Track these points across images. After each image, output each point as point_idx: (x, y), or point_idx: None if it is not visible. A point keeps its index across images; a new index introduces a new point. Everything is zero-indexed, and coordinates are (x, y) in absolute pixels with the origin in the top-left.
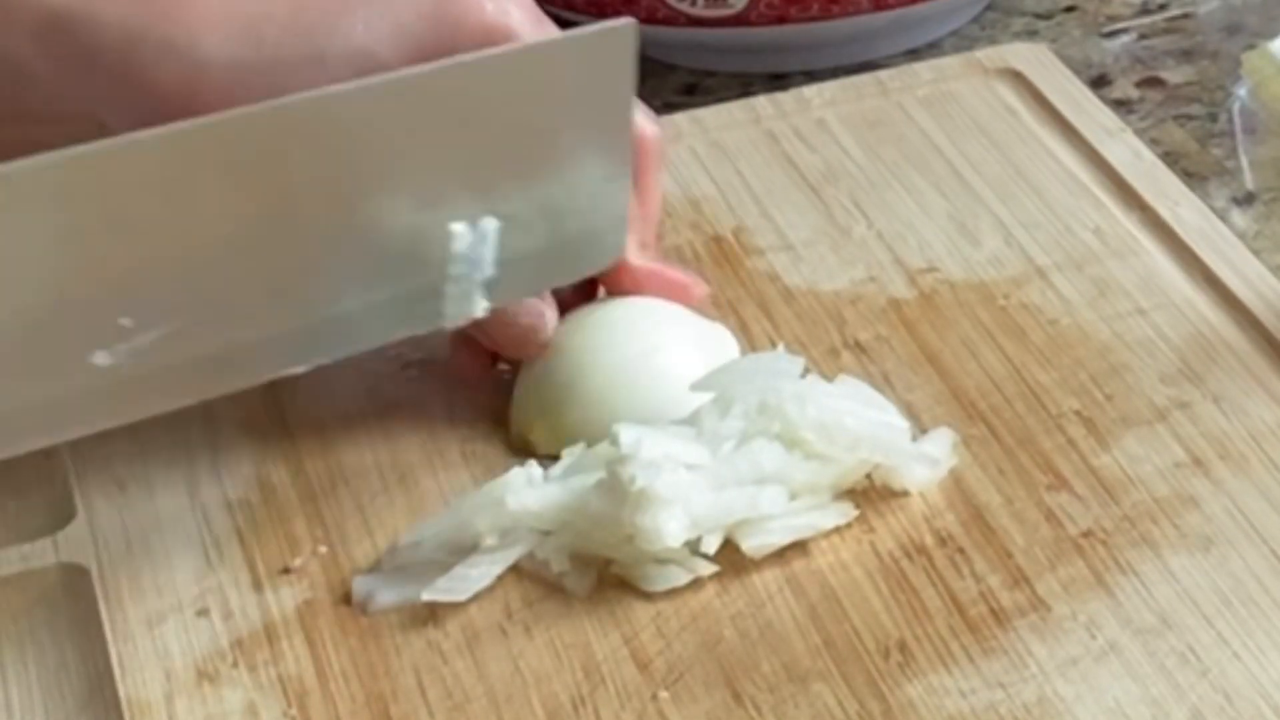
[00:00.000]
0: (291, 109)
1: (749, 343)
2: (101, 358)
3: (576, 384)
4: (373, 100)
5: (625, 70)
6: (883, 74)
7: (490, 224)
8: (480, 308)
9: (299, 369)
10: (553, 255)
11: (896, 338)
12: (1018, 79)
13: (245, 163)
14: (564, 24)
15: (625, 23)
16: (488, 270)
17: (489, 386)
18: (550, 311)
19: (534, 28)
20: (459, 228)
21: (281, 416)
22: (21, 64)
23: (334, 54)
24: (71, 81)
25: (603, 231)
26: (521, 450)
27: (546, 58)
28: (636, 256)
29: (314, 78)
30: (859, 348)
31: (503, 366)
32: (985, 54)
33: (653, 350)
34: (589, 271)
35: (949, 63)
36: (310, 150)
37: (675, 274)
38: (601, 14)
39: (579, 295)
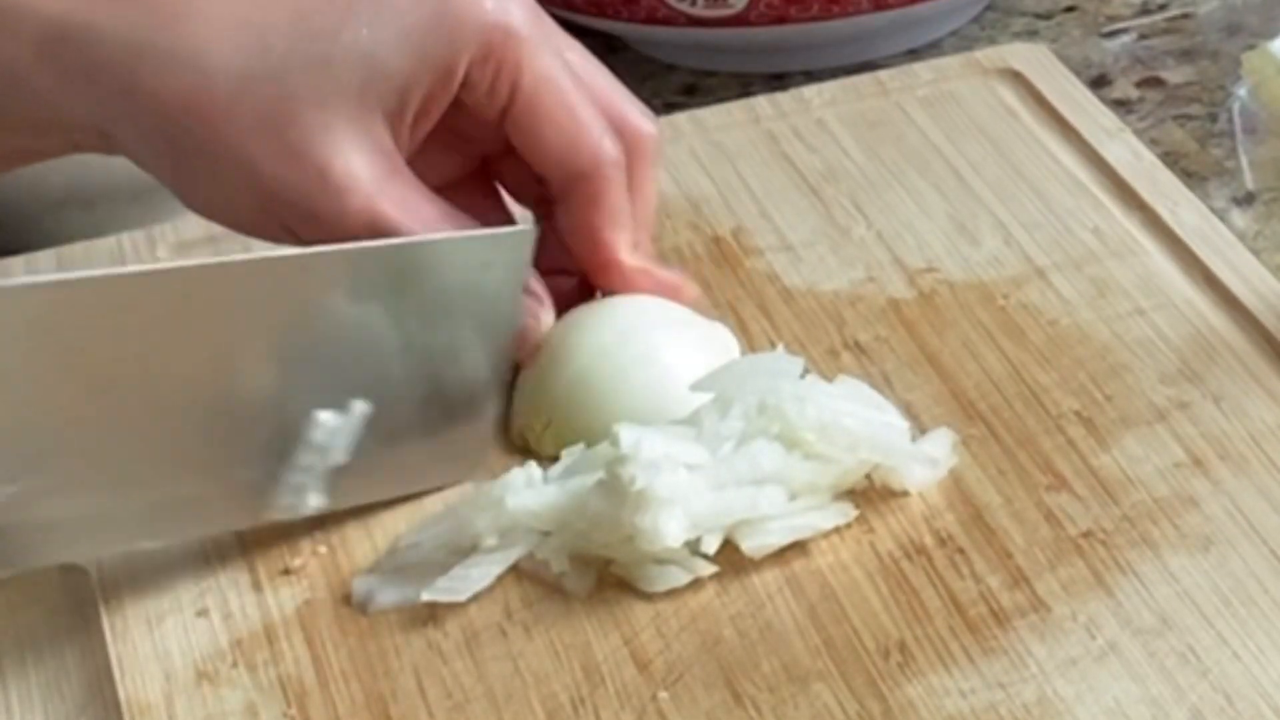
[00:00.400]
0: (175, 275)
1: (748, 343)
2: None
3: (578, 385)
4: (255, 275)
5: (517, 272)
6: (882, 74)
7: (360, 407)
8: (314, 503)
9: (149, 545)
10: (415, 457)
11: (896, 338)
12: (1017, 79)
13: (111, 325)
14: (564, 24)
15: (525, 228)
16: (337, 458)
17: None
18: (546, 312)
19: (535, 26)
20: (325, 415)
21: None
22: (23, 75)
23: (339, 58)
24: (75, 93)
25: (465, 443)
26: (521, 451)
27: (443, 252)
28: (629, 255)
29: (320, 83)
30: (858, 348)
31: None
32: (985, 54)
33: (655, 351)
34: (445, 481)
35: (949, 63)
36: (184, 320)
37: (666, 274)
38: (601, 14)
39: (576, 295)
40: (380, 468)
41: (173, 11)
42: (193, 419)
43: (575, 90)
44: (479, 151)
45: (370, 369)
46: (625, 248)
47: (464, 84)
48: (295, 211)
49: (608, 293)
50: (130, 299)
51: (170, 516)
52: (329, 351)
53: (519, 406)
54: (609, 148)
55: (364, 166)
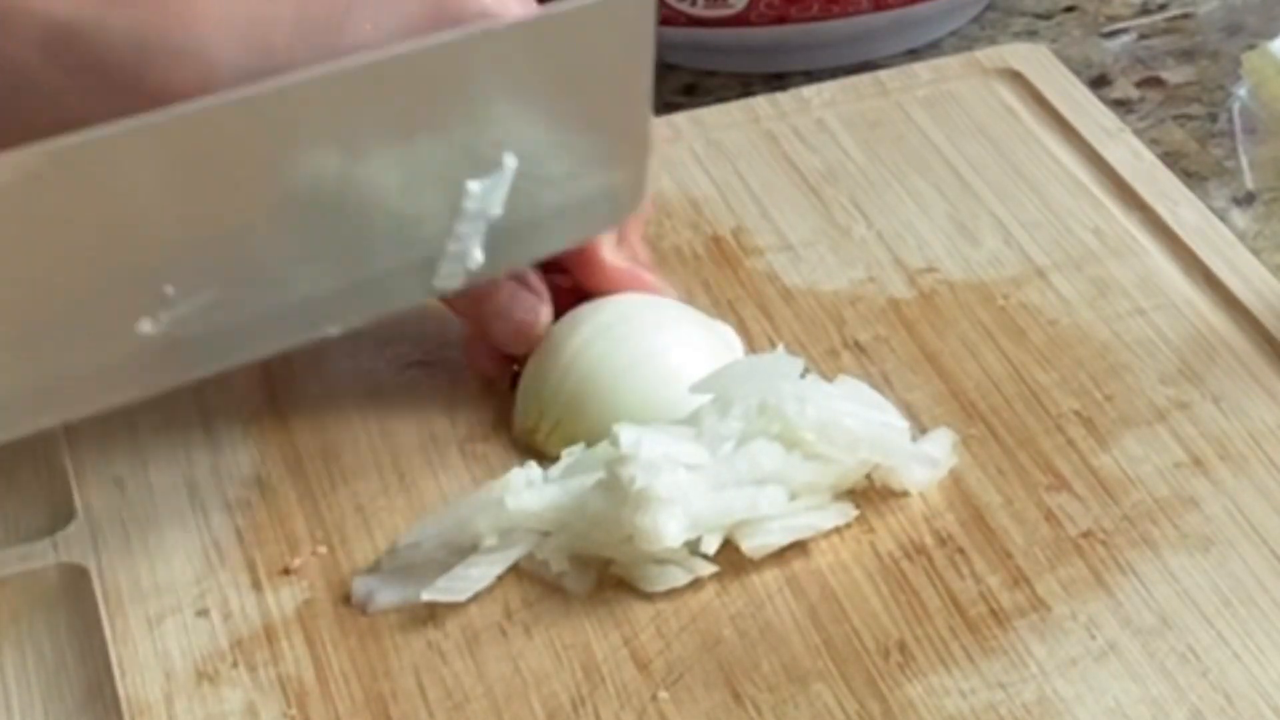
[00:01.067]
0: (318, 82)
1: (748, 343)
2: (146, 325)
3: (583, 386)
4: (398, 69)
5: (646, 31)
6: (882, 74)
7: (510, 161)
8: (475, 262)
9: (333, 331)
10: (568, 211)
11: (896, 338)
12: (1017, 79)
13: (278, 135)
14: None
15: None
16: (494, 212)
17: (498, 385)
18: (545, 307)
19: (526, 7)
20: (474, 184)
21: (281, 417)
22: (28, 73)
23: (341, 52)
24: (81, 91)
25: (620, 189)
26: (523, 450)
27: (569, 24)
28: (611, 254)
29: None
30: (858, 348)
31: (518, 367)
32: (985, 54)
33: (660, 351)
34: (603, 228)
35: (948, 63)
36: (336, 120)
37: (648, 276)
38: None
39: (576, 294)
40: (537, 222)
41: (178, 9)
42: (360, 207)
43: None
44: None
45: (516, 136)
46: (607, 246)
47: None
48: None
49: (583, 289)
50: (320, 96)
51: (348, 301)
52: (475, 127)
53: (523, 407)
54: None
55: None
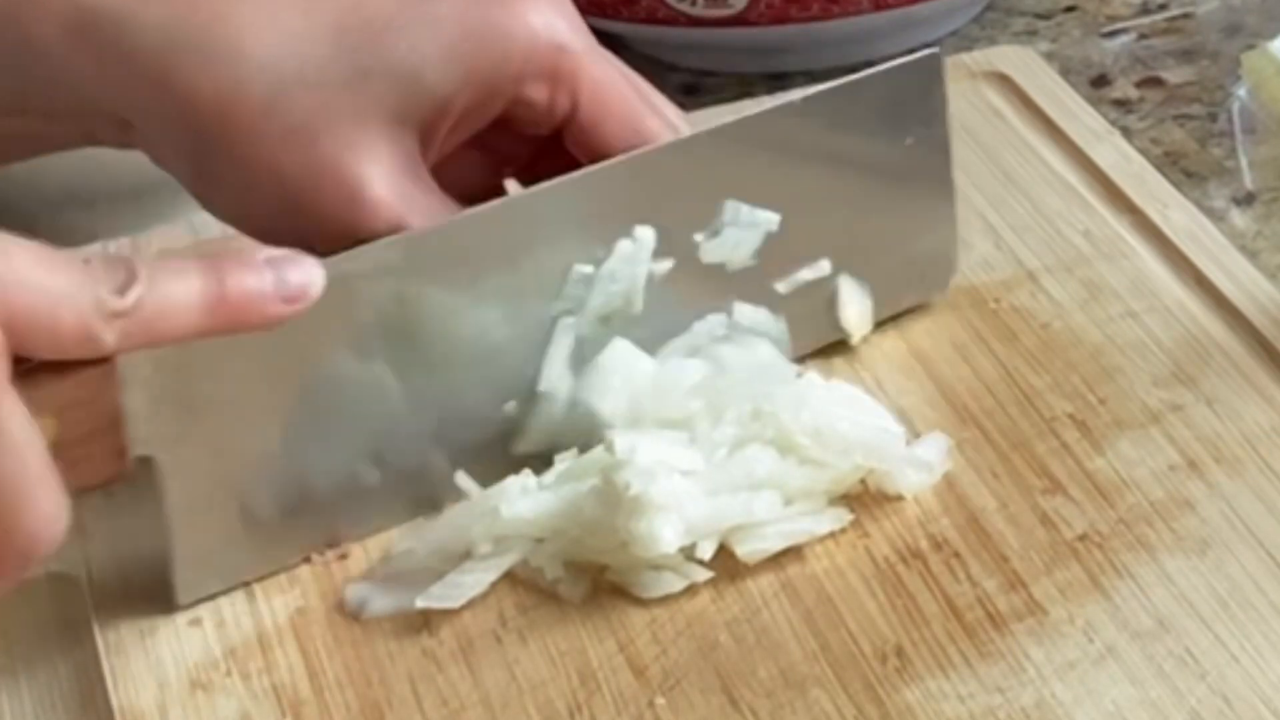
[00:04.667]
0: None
1: None
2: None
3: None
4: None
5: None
6: None
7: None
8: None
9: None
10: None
11: (888, 342)
12: (1005, 82)
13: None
14: None
15: (931, 52)
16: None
17: None
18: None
19: (582, 36)
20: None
21: None
22: (50, 56)
23: (379, 74)
24: (103, 79)
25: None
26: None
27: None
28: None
29: (357, 97)
30: (851, 352)
31: None
32: (971, 57)
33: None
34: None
35: None
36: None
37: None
38: (601, 14)
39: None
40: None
41: (214, 10)
42: None
43: (631, 89)
44: (501, 162)
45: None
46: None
47: (518, 101)
48: (319, 223)
49: None
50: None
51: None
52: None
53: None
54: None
55: (393, 183)
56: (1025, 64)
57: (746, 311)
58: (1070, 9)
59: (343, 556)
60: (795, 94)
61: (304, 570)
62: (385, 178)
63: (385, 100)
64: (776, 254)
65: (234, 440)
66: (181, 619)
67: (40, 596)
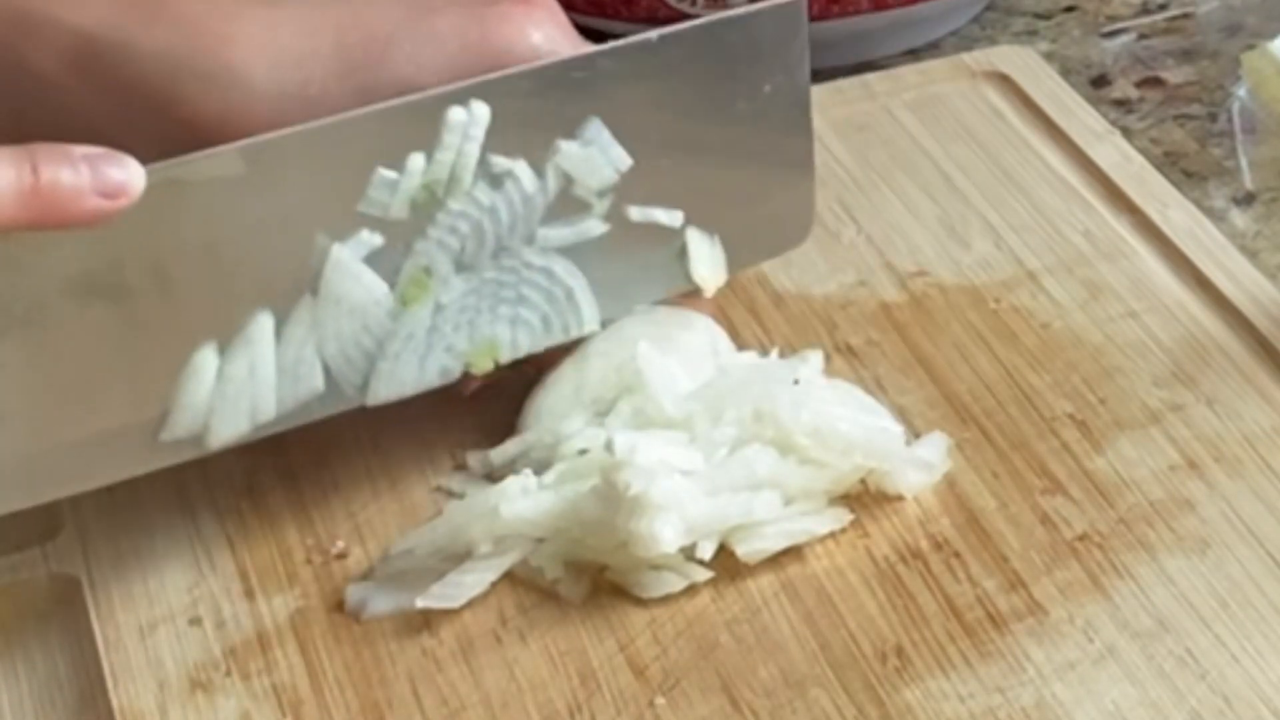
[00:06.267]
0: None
1: (739, 348)
2: None
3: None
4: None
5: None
6: (869, 77)
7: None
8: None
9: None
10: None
11: (888, 342)
12: (1005, 82)
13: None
14: None
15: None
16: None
17: (488, 393)
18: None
19: (578, 48)
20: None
21: None
22: (53, 85)
23: (381, 90)
24: (108, 110)
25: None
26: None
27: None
28: None
29: None
30: (850, 352)
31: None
32: (971, 57)
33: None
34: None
35: (935, 66)
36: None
37: None
38: (601, 14)
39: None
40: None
41: (215, 34)
42: None
43: None
44: None
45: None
46: None
47: None
48: None
49: None
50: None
51: None
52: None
53: (528, 413)
54: None
55: None
56: (1025, 64)
57: (595, 226)
58: (1070, 9)
59: (342, 556)
60: (653, 33)
61: (304, 570)
62: None
63: None
64: (630, 198)
65: None
66: (181, 618)
67: (40, 597)
